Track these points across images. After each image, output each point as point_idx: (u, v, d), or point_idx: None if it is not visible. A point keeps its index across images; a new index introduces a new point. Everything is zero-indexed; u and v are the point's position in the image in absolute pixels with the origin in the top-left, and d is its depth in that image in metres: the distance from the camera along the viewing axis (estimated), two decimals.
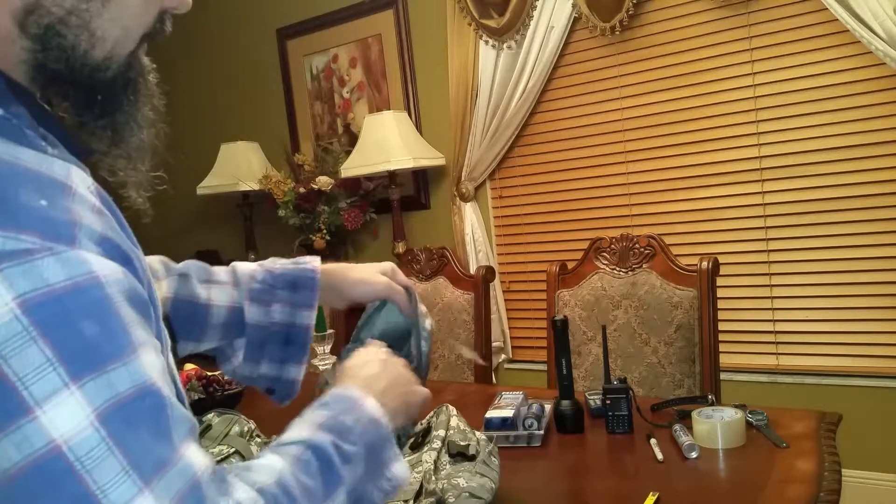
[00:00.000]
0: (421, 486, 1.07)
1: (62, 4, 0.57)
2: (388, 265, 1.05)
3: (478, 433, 1.21)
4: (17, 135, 0.53)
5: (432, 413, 1.26)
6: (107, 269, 0.51)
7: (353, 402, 0.72)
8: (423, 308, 1.04)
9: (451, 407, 1.26)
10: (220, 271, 0.98)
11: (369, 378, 0.79)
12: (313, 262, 0.99)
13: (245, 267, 0.99)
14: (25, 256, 0.47)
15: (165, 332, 0.66)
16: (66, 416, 0.47)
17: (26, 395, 0.46)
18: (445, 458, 1.15)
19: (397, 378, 0.83)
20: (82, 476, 0.47)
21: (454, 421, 1.22)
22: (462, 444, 1.15)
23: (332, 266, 1.02)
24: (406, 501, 1.05)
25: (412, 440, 1.23)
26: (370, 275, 1.03)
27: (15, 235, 0.47)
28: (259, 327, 0.95)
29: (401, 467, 0.73)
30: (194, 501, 0.51)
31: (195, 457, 0.53)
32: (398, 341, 0.99)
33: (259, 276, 0.97)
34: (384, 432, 0.72)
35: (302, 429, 0.67)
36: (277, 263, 0.99)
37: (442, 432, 1.19)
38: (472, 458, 1.14)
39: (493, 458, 1.17)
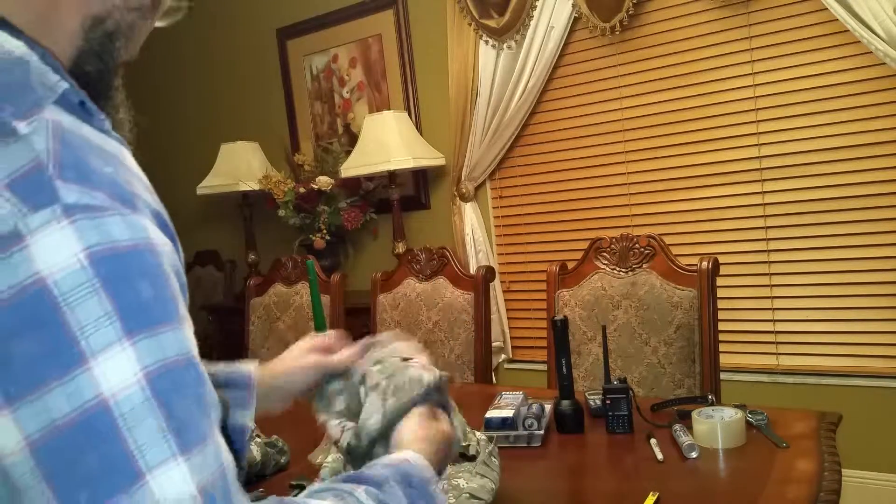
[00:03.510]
0: None
1: (126, 18, 0.63)
2: (319, 339, 1.00)
3: (478, 433, 1.21)
4: (80, 112, 0.55)
5: None
6: (160, 240, 0.54)
7: (433, 497, 0.71)
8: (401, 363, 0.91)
9: None
10: None
11: (433, 455, 0.78)
12: (248, 365, 0.93)
13: None
14: (97, 212, 0.50)
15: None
16: (117, 371, 0.48)
17: (84, 346, 0.47)
18: None
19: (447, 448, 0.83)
20: (124, 434, 0.48)
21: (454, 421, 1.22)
22: (462, 444, 1.15)
23: (267, 367, 0.97)
24: None
25: None
26: (294, 361, 0.98)
27: (89, 192, 0.50)
28: None
29: None
30: (223, 489, 0.51)
31: (224, 446, 0.54)
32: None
33: None
34: None
35: (370, 490, 0.66)
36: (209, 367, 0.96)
37: None
38: (472, 459, 1.14)
39: (494, 459, 1.17)
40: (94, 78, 0.62)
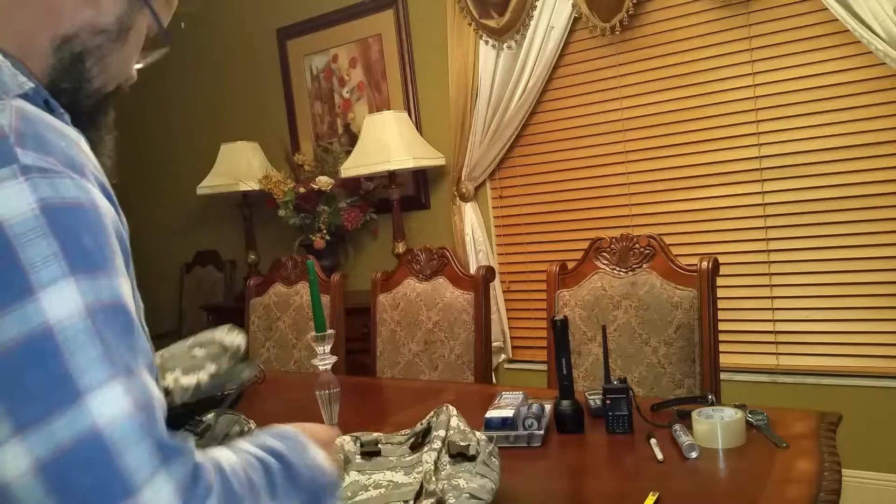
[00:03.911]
0: (421, 486, 1.07)
1: (93, 40, 0.73)
2: None
3: (478, 433, 1.21)
4: (43, 107, 0.66)
5: (432, 413, 1.26)
6: (104, 204, 0.63)
7: (304, 447, 0.75)
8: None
9: (451, 407, 1.26)
10: None
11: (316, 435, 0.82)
12: None
13: None
14: (49, 173, 0.59)
15: (139, 298, 0.71)
16: (61, 302, 0.56)
17: (33, 279, 0.55)
18: (446, 458, 1.15)
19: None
20: (66, 357, 0.55)
21: (454, 421, 1.22)
22: (462, 444, 1.15)
23: None
24: (406, 502, 1.05)
25: (412, 440, 1.23)
26: None
27: (44, 157, 0.59)
28: None
29: None
30: (150, 416, 0.57)
31: (153, 385, 0.60)
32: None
33: None
34: (327, 481, 0.75)
35: (256, 447, 0.71)
36: None
37: (442, 432, 1.19)
38: (472, 459, 1.14)
39: (494, 459, 1.17)
40: (70, 95, 0.72)
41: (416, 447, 1.21)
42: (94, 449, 0.54)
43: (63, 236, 0.57)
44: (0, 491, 0.54)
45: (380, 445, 1.22)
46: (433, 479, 1.09)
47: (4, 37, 0.69)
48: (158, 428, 0.57)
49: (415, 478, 1.11)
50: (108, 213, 0.63)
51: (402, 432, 1.25)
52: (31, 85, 0.65)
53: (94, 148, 0.75)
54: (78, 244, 0.58)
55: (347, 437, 1.23)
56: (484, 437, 1.20)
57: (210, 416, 1.32)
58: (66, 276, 0.56)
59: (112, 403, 0.55)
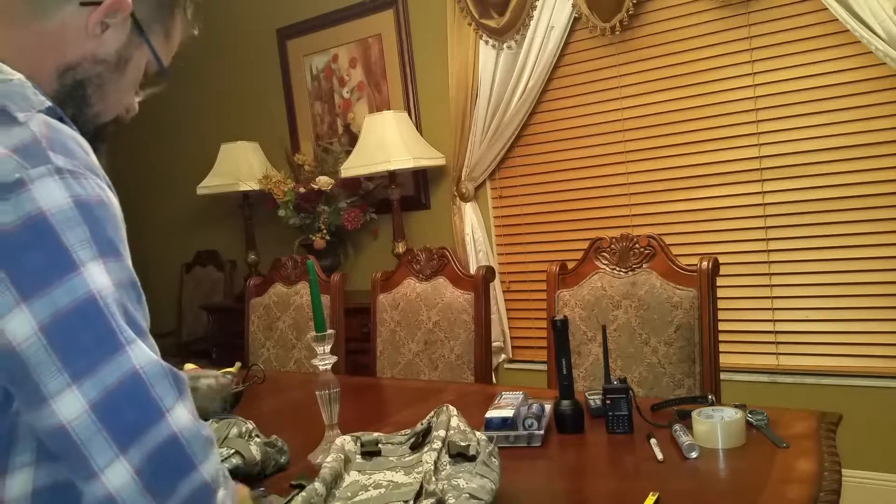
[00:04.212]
0: (421, 486, 1.06)
1: (94, 69, 0.84)
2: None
3: (478, 433, 1.21)
4: (61, 120, 0.77)
5: (432, 413, 1.26)
6: (114, 200, 0.76)
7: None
8: None
9: (451, 407, 1.26)
10: None
11: None
12: None
13: None
14: (76, 174, 0.71)
15: None
16: (96, 276, 0.69)
17: (76, 257, 0.68)
18: (445, 458, 1.15)
19: None
20: (108, 318, 0.69)
21: (454, 421, 1.22)
22: (462, 444, 1.15)
23: None
24: (406, 502, 1.05)
25: (412, 440, 1.23)
26: None
27: (70, 161, 0.71)
28: None
29: None
30: (161, 362, 0.72)
31: (153, 346, 0.74)
32: None
33: None
34: None
35: None
36: None
37: (442, 432, 1.19)
38: (472, 459, 1.14)
39: (494, 459, 1.17)
40: (71, 119, 0.80)
41: (416, 447, 1.21)
42: (135, 385, 0.69)
43: (92, 226, 0.70)
44: (56, 436, 0.66)
45: (380, 445, 1.22)
46: (433, 479, 1.09)
47: (17, 63, 0.78)
48: (171, 369, 0.72)
49: (415, 478, 1.11)
50: (118, 207, 0.76)
51: (403, 432, 1.25)
52: (49, 104, 0.76)
53: None
54: (104, 233, 0.71)
55: (347, 437, 1.23)
56: (484, 437, 1.20)
57: (207, 422, 1.32)
58: (97, 257, 0.70)
59: (142, 352, 0.70)
